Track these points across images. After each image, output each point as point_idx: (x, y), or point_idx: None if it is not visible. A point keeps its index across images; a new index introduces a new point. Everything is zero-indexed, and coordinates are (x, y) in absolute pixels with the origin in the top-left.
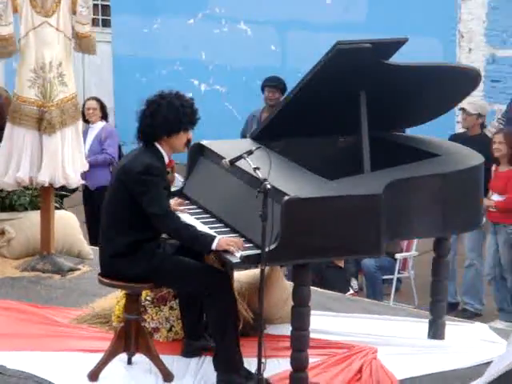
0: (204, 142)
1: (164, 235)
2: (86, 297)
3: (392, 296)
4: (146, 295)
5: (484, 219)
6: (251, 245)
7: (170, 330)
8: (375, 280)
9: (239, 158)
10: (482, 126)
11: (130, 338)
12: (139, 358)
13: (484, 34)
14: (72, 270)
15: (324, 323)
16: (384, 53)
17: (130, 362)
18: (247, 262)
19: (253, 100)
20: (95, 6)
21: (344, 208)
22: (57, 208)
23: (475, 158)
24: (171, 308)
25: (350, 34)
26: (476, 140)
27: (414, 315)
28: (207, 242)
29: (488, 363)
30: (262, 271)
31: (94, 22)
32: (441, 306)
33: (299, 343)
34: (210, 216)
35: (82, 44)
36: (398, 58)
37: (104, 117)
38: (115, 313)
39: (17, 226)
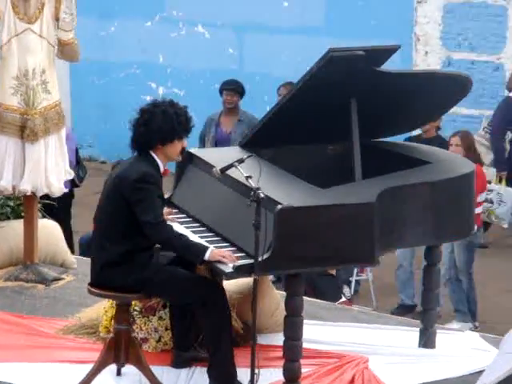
0: (193, 150)
1: (157, 245)
2: (72, 307)
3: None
4: (135, 305)
5: None
6: (243, 254)
7: (158, 340)
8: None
9: (230, 166)
10: (438, 128)
11: (120, 348)
12: (128, 369)
13: (440, 37)
14: (56, 279)
15: (313, 332)
16: (376, 60)
17: (119, 373)
18: (240, 272)
19: (211, 103)
20: None
21: (337, 217)
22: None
23: (466, 166)
24: (160, 318)
25: (307, 37)
26: (431, 142)
27: (405, 324)
28: (200, 252)
29: (480, 372)
30: (255, 281)
31: None
32: (432, 315)
33: (292, 353)
34: (200, 225)
35: (65, 51)
36: None
37: None
38: (103, 323)
39: (0, 235)
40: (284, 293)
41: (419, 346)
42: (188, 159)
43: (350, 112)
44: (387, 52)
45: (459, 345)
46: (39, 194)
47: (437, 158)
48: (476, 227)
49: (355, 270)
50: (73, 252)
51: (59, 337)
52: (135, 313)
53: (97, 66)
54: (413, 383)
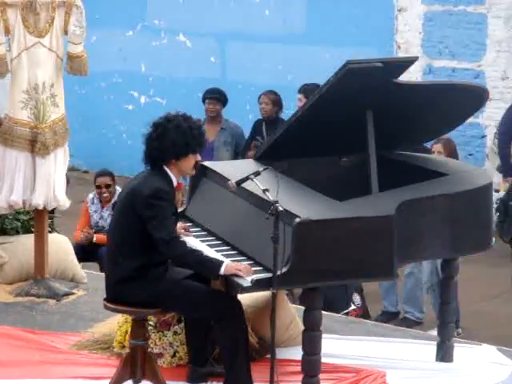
0: (206, 163)
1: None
2: (84, 322)
3: None
4: (149, 320)
5: None
6: (260, 268)
7: (173, 355)
8: None
9: (246, 179)
10: None
11: (137, 364)
12: None
13: (421, 44)
14: (67, 294)
15: (329, 346)
16: (393, 72)
17: None
18: (258, 286)
19: (193, 112)
20: None
21: (356, 230)
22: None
23: (483, 177)
24: (175, 333)
25: (289, 46)
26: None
27: (421, 337)
28: (215, 266)
29: None
30: (274, 295)
31: None
32: (449, 328)
33: (311, 368)
34: (216, 239)
35: (74, 65)
36: (334, 69)
37: None
38: (117, 338)
39: (9, 250)
40: (295, 306)
41: (436, 360)
42: (201, 172)
43: (366, 124)
44: (405, 63)
45: (477, 358)
46: (49, 207)
47: (453, 170)
48: None
49: None
50: None
51: (73, 352)
52: (150, 327)
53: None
54: None
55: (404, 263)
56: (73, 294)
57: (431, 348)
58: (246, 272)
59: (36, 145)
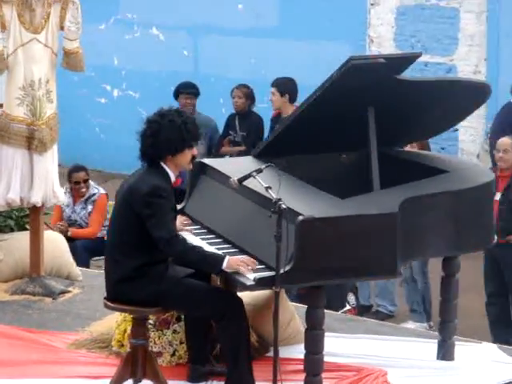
0: (206, 160)
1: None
2: (81, 320)
3: None
4: (149, 319)
5: None
6: (263, 266)
7: (173, 354)
8: None
9: (248, 176)
10: None
11: (137, 363)
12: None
13: (393, 38)
14: (63, 292)
15: (330, 345)
16: (396, 68)
17: None
18: (261, 284)
19: (166, 105)
20: None
21: (360, 227)
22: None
23: (486, 175)
24: (174, 331)
25: (262, 39)
26: None
27: (422, 335)
28: (217, 262)
29: None
30: (277, 294)
31: None
32: (450, 327)
33: (314, 367)
34: (216, 236)
35: (70, 61)
36: (307, 63)
37: None
38: (115, 337)
39: (4, 247)
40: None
41: (437, 358)
42: (200, 169)
43: (368, 120)
44: (408, 60)
45: (478, 357)
46: (48, 204)
47: (454, 167)
48: None
49: None
50: None
51: (71, 351)
52: (149, 326)
53: None
54: None
55: (407, 261)
56: (69, 292)
57: (432, 346)
58: (249, 264)
59: (33, 142)
